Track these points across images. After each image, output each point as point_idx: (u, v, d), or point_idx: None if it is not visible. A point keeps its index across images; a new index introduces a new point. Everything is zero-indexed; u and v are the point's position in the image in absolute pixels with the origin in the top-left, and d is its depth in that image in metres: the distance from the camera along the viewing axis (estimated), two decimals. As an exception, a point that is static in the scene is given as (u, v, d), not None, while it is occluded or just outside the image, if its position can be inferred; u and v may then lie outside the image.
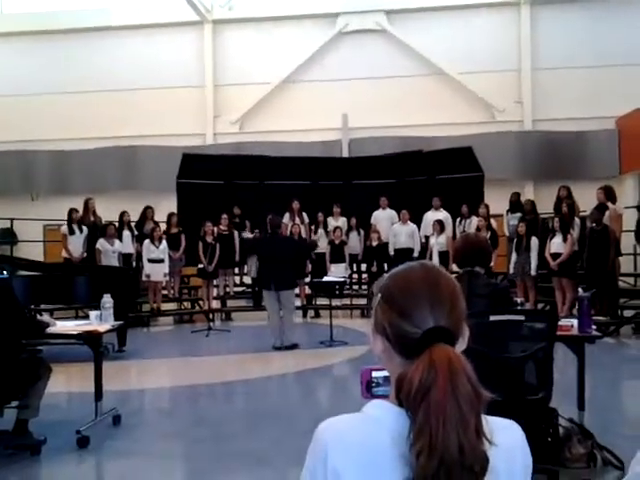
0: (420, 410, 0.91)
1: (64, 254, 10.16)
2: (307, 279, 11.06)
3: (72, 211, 10.21)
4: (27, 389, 4.07)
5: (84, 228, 10.22)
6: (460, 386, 0.91)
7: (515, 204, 10.88)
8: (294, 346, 7.97)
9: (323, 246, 11.10)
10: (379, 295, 1.06)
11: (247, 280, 11.96)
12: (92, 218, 10.63)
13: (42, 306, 8.32)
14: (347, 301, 11.48)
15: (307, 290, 11.36)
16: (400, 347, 1.00)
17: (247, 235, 11.22)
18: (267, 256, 8.15)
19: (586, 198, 10.06)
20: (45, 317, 4.43)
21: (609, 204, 9.06)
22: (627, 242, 9.95)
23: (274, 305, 8.01)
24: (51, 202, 14.42)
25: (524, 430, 1.06)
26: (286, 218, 11.06)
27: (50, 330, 4.39)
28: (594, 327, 3.97)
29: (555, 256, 9.07)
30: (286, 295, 8.04)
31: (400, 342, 1.00)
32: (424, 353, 0.95)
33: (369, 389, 1.17)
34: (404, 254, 10.67)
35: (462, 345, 1.03)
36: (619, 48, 14.07)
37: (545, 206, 10.95)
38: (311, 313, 11.18)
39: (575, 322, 3.99)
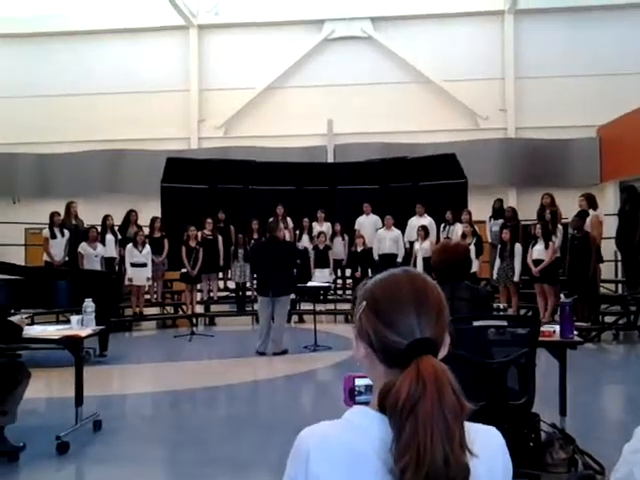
0: (407, 423, 0.90)
1: (46, 258, 10.04)
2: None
3: (54, 214, 10.10)
4: (5, 395, 4.00)
5: (66, 232, 10.11)
6: (447, 398, 0.92)
7: (498, 211, 10.96)
8: (284, 352, 7.92)
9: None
10: (364, 302, 1.05)
11: (231, 285, 11.91)
12: (74, 222, 10.53)
13: (23, 310, 8.21)
14: (331, 306, 11.46)
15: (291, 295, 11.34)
16: (384, 356, 1.00)
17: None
18: (264, 261, 7.95)
19: (567, 205, 10.18)
20: (15, 318, 4.34)
21: (590, 211, 9.17)
22: (608, 249, 10.07)
23: (266, 311, 7.92)
24: (33, 205, 14.27)
25: (506, 435, 1.06)
26: (271, 223, 11.03)
27: (27, 334, 4.32)
28: (575, 333, 4.00)
29: (537, 262, 9.14)
30: (282, 301, 7.96)
31: (384, 351, 1.00)
32: (411, 365, 0.95)
33: (352, 397, 1.17)
34: (388, 260, 10.70)
35: (443, 352, 1.03)
36: (601, 57, 14.29)
37: (528, 213, 11.05)
38: (295, 318, 11.15)
39: (557, 328, 4.02)
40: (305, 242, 11.39)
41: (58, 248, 10.02)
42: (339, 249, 11.52)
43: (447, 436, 0.89)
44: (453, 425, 0.90)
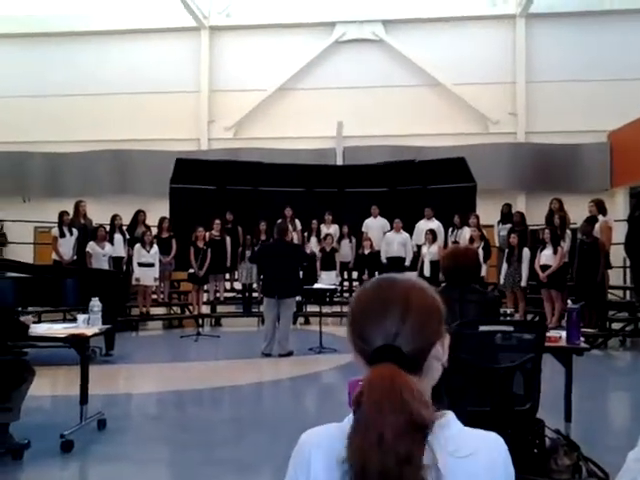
0: (354, 429, 0.90)
1: (54, 256, 10.09)
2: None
3: (63, 213, 10.16)
4: (10, 392, 4.02)
5: (74, 231, 10.16)
6: (389, 407, 0.88)
7: (506, 215, 10.92)
8: (290, 353, 7.93)
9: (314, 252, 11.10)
10: (348, 313, 1.08)
11: (237, 286, 11.93)
12: (82, 221, 10.59)
13: (30, 308, 8.24)
14: (337, 308, 11.46)
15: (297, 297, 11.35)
16: (367, 364, 1.01)
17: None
18: (271, 263, 7.96)
19: (577, 211, 10.12)
20: (22, 317, 4.38)
21: (600, 217, 9.12)
22: (617, 255, 10.01)
23: (271, 312, 7.93)
24: (43, 204, 14.33)
25: (511, 441, 1.05)
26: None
27: (34, 332, 4.34)
28: (582, 339, 3.97)
29: (545, 268, 9.10)
30: (287, 303, 7.97)
31: (362, 360, 1.01)
32: (366, 374, 0.95)
33: None
34: (396, 263, 10.69)
35: (439, 353, 1.02)
36: (612, 62, 14.22)
37: (536, 218, 10.99)
38: (301, 320, 11.15)
39: (564, 334, 4.00)
40: (313, 244, 11.39)
41: (67, 247, 10.07)
42: (346, 251, 11.52)
43: (382, 450, 0.85)
44: (391, 439, 0.85)
